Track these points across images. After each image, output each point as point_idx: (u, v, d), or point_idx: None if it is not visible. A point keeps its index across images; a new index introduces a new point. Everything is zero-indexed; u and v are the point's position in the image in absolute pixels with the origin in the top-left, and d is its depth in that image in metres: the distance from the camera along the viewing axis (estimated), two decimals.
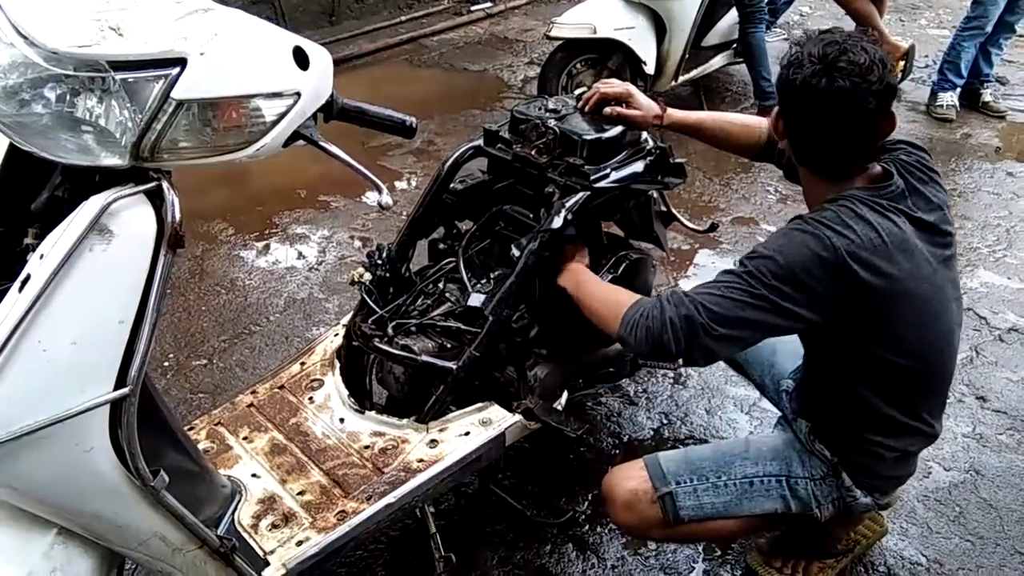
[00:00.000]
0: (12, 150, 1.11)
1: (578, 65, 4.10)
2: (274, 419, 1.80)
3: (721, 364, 2.42)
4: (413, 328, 1.85)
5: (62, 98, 1.00)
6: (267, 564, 1.46)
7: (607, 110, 1.88)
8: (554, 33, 4.00)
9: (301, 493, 1.62)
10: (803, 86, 1.41)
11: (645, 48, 4.03)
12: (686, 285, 3.09)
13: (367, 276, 1.93)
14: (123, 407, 1.10)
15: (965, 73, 4.60)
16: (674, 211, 2.14)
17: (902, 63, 4.74)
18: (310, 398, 1.86)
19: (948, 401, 1.72)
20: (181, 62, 1.00)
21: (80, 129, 1.01)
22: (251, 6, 5.05)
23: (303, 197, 3.70)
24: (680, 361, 1.52)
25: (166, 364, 2.66)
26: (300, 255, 3.29)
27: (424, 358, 1.77)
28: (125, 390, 1.08)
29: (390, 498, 1.58)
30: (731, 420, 2.49)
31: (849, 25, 4.68)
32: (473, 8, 6.20)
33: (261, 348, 2.75)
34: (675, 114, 1.91)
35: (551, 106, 1.94)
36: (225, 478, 1.58)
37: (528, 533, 2.08)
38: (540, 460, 2.28)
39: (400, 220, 2.91)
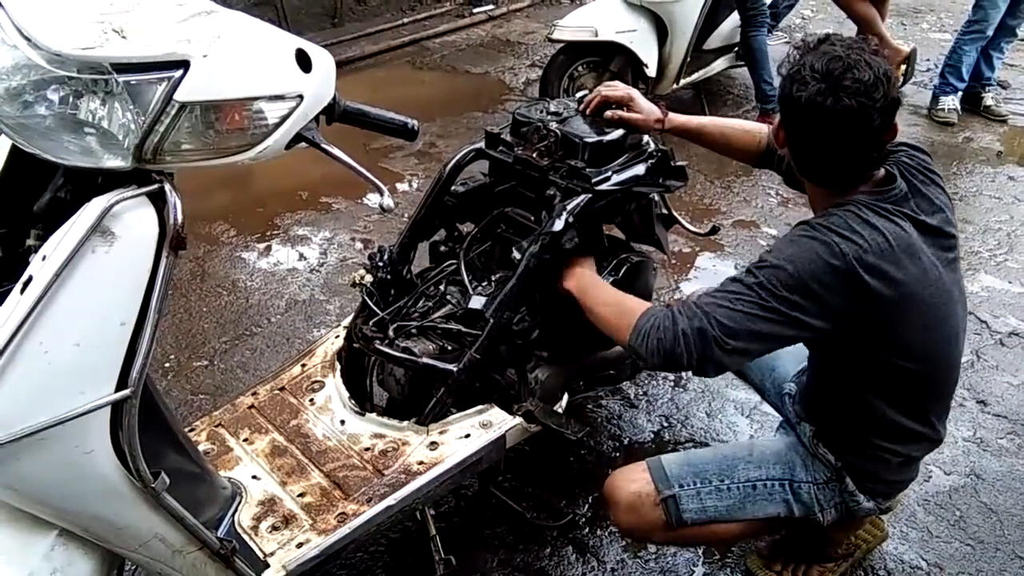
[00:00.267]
0: (15, 152, 1.11)
1: (580, 68, 4.11)
2: (275, 421, 1.80)
3: None
4: (414, 330, 1.85)
5: (65, 100, 1.00)
6: (267, 566, 1.46)
7: (608, 113, 1.88)
8: (556, 36, 4.01)
9: (301, 495, 1.62)
10: (808, 104, 1.39)
11: (647, 51, 4.04)
12: (687, 288, 3.10)
13: (368, 278, 1.94)
14: (124, 409, 1.10)
15: (967, 77, 4.60)
16: (675, 214, 2.14)
17: (904, 67, 4.75)
18: (311, 400, 1.86)
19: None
20: (184, 64, 1.00)
21: (83, 131, 1.02)
22: (253, 8, 5.07)
23: (305, 199, 3.70)
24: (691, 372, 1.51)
25: (167, 365, 2.66)
26: (301, 257, 3.30)
27: (425, 360, 1.77)
28: (126, 392, 1.08)
29: (390, 500, 1.58)
30: (732, 423, 2.49)
31: (850, 28, 4.69)
32: (475, 11, 6.21)
33: (262, 349, 2.75)
34: (676, 118, 1.91)
35: (553, 109, 1.94)
36: (225, 480, 1.58)
37: (528, 535, 2.08)
38: (540, 463, 2.28)
39: (402, 222, 2.91)
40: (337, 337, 2.01)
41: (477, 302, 1.78)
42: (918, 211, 1.48)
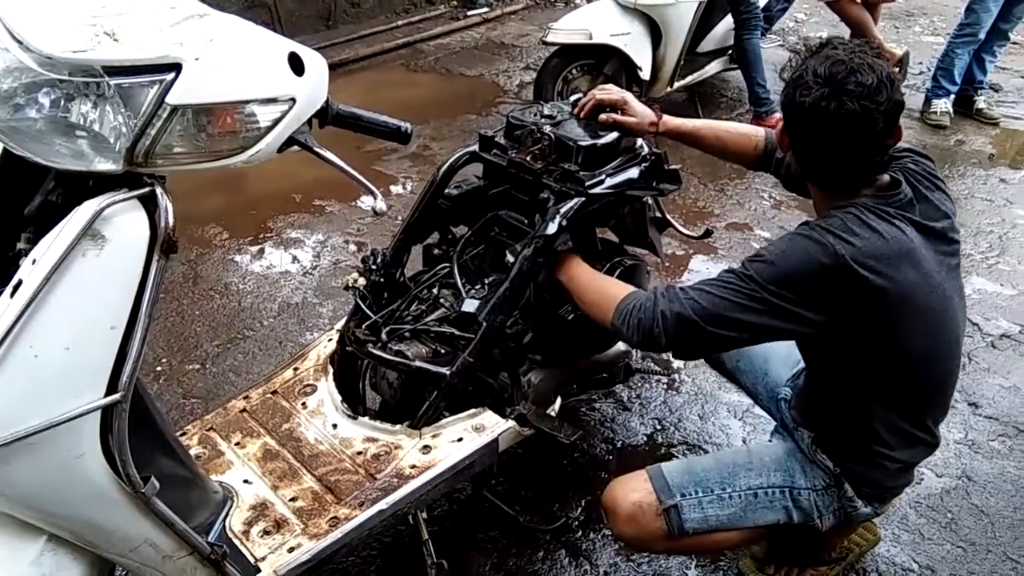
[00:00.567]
0: (5, 155, 1.11)
1: (574, 71, 4.12)
2: (267, 424, 1.80)
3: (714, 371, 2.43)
4: (407, 333, 1.85)
5: (56, 103, 1.00)
6: (258, 571, 1.46)
7: (602, 116, 1.88)
8: (550, 38, 4.02)
9: (293, 499, 1.62)
10: (812, 109, 1.39)
11: (641, 54, 4.05)
12: None
13: (361, 281, 1.93)
14: (114, 413, 1.09)
15: (959, 80, 4.62)
16: (669, 217, 2.14)
17: (897, 70, 4.77)
18: (303, 403, 1.86)
19: None
20: (176, 67, 1.00)
21: (74, 134, 1.01)
22: (247, 10, 5.06)
23: (298, 201, 3.69)
24: (669, 354, 1.54)
25: (159, 368, 2.65)
26: (294, 259, 3.29)
27: (418, 364, 1.77)
28: (116, 396, 1.08)
29: (382, 504, 1.58)
30: (724, 426, 2.49)
31: (843, 31, 4.71)
32: (470, 13, 6.20)
33: (255, 353, 2.74)
34: (671, 121, 1.91)
35: (546, 112, 1.94)
36: (217, 484, 1.58)
37: (521, 539, 2.08)
38: (533, 466, 2.28)
39: (395, 225, 2.91)
40: (330, 340, 2.01)
41: (470, 305, 1.78)
42: (923, 217, 1.48)
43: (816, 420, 1.69)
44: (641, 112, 1.88)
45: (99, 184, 1.06)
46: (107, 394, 1.07)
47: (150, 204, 1.07)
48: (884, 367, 1.50)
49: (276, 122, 1.11)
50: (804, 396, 1.76)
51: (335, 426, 1.79)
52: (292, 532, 1.54)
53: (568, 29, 3.99)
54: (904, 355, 1.49)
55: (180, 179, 1.11)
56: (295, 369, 1.96)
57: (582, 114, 1.92)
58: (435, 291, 1.95)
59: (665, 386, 2.63)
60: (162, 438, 1.36)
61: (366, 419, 1.80)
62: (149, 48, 0.99)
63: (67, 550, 1.19)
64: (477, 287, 1.89)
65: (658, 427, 2.48)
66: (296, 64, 1.12)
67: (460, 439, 1.73)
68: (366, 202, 3.60)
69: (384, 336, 1.83)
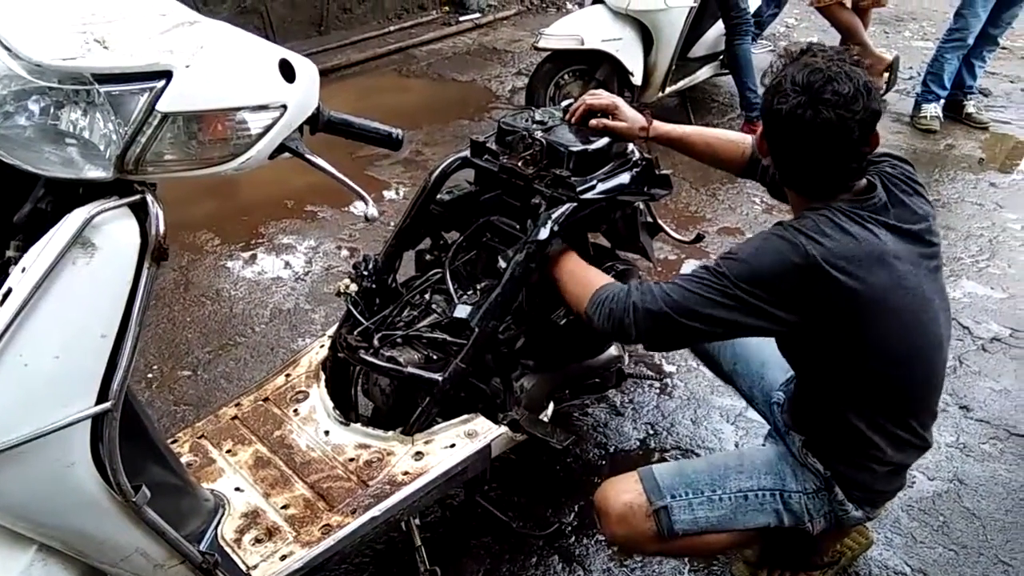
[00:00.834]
0: None
1: (566, 76, 4.12)
2: (258, 432, 1.79)
3: (707, 374, 2.43)
4: (399, 339, 1.85)
5: (46, 111, 0.99)
6: None
7: (593, 122, 1.89)
8: (542, 44, 4.02)
9: (285, 507, 1.61)
10: (788, 116, 1.42)
11: (632, 59, 4.05)
12: None
13: (353, 287, 1.93)
14: (104, 421, 1.09)
15: (948, 85, 4.65)
16: (660, 222, 2.15)
17: (886, 75, 4.81)
18: (295, 410, 1.85)
19: None
20: (166, 75, 1.00)
21: (64, 142, 1.01)
22: (239, 16, 5.05)
23: (290, 207, 3.69)
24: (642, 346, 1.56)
25: (150, 376, 2.64)
26: (286, 265, 3.28)
27: (410, 370, 1.77)
28: (107, 404, 1.07)
29: (375, 511, 1.58)
30: (717, 430, 2.49)
31: (834, 36, 4.74)
32: (461, 19, 6.22)
33: (246, 359, 2.73)
34: (661, 127, 1.92)
35: (538, 118, 1.95)
36: (208, 492, 1.57)
37: (514, 545, 2.08)
38: (526, 472, 2.28)
39: (388, 230, 2.90)
40: (322, 347, 2.00)
41: (462, 311, 1.78)
42: (898, 220, 1.50)
43: (806, 423, 1.69)
44: (632, 117, 1.88)
45: (89, 192, 1.05)
46: (97, 402, 1.07)
47: (140, 212, 1.07)
48: (862, 369, 1.52)
49: (267, 129, 1.11)
50: (794, 400, 1.77)
51: (327, 433, 1.79)
52: (284, 540, 1.54)
53: (560, 35, 4.00)
54: (881, 357, 1.50)
55: (172, 185, 1.11)
56: (287, 376, 1.95)
57: (573, 119, 1.92)
58: (427, 297, 1.95)
59: (658, 391, 2.64)
60: (153, 446, 1.36)
61: (358, 426, 1.80)
62: (139, 55, 0.99)
63: (57, 560, 1.18)
64: (469, 293, 1.89)
65: (651, 432, 2.48)
66: (287, 71, 1.12)
67: (453, 445, 1.73)
68: (358, 208, 3.59)
69: (376, 342, 1.83)
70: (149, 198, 1.07)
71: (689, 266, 3.27)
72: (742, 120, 4.51)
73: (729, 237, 3.57)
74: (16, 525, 1.13)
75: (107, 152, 1.01)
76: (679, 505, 1.63)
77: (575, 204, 1.78)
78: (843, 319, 1.45)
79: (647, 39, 4.10)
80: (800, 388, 1.73)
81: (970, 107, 4.79)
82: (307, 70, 1.16)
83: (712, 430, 2.49)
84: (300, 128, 1.20)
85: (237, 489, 1.64)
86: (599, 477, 2.27)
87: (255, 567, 1.47)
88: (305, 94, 1.16)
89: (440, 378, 1.74)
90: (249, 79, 1.08)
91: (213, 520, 1.52)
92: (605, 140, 1.87)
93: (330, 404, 1.85)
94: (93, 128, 1.00)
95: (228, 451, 1.74)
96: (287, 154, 1.19)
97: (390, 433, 1.76)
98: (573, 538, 2.11)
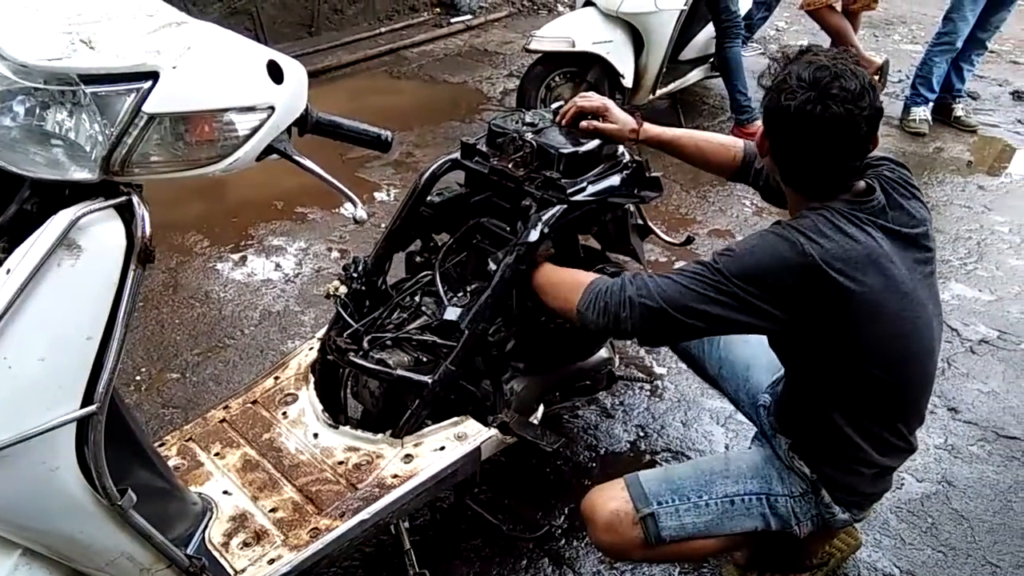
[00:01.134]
0: None
1: (557, 78, 4.12)
2: (246, 435, 1.78)
3: (697, 377, 2.43)
4: (389, 342, 1.84)
5: (31, 111, 0.99)
6: None
7: (583, 124, 1.89)
8: (533, 46, 4.02)
9: (273, 510, 1.60)
10: (797, 112, 1.41)
11: (623, 62, 4.06)
12: None
13: (343, 289, 1.92)
14: (90, 425, 1.08)
15: (937, 88, 4.67)
16: (651, 224, 2.15)
17: (876, 78, 4.83)
18: (284, 413, 1.84)
19: None
20: (153, 76, 0.99)
21: (50, 143, 1.00)
22: (229, 17, 5.03)
23: (280, 208, 3.67)
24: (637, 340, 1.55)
25: (138, 378, 2.62)
26: (276, 267, 3.27)
27: (399, 372, 1.76)
28: (92, 407, 1.06)
29: (364, 515, 1.57)
30: (707, 432, 2.49)
31: (823, 40, 4.75)
32: (453, 20, 6.21)
33: (235, 362, 2.72)
34: (651, 129, 1.92)
35: (528, 120, 1.95)
36: (196, 495, 1.56)
37: (504, 548, 2.07)
38: (516, 474, 2.27)
39: (378, 232, 2.90)
40: (311, 349, 2.00)
41: (452, 313, 1.78)
42: (896, 223, 1.50)
43: (793, 426, 1.70)
44: (622, 119, 1.89)
45: (75, 193, 1.05)
46: (83, 405, 1.06)
47: (127, 213, 1.06)
48: (853, 371, 1.52)
49: (255, 130, 1.10)
50: (781, 402, 1.77)
51: (316, 436, 1.78)
52: (272, 544, 1.53)
53: (551, 37, 4.00)
54: (874, 360, 1.50)
55: (160, 186, 1.10)
56: (276, 378, 1.94)
57: (563, 121, 1.92)
58: (417, 299, 1.95)
59: (648, 393, 2.64)
60: (139, 449, 1.35)
61: (347, 428, 1.79)
62: (126, 56, 0.98)
63: (42, 564, 1.17)
64: (459, 295, 1.88)
65: (641, 434, 2.48)
66: (275, 72, 1.11)
67: (442, 448, 1.72)
68: (348, 209, 3.58)
69: (366, 344, 1.82)
70: (135, 199, 1.06)
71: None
72: (732, 123, 4.53)
73: (719, 239, 3.58)
74: (0, 529, 1.12)
75: (93, 153, 1.00)
76: (666, 512, 1.63)
77: (565, 206, 1.78)
78: (836, 320, 1.45)
79: (638, 42, 4.11)
80: (788, 390, 1.74)
81: (958, 110, 4.82)
82: (295, 71, 1.15)
83: (702, 432, 2.50)
84: (288, 130, 1.20)
85: (225, 492, 1.63)
86: (589, 480, 2.27)
87: (243, 571, 1.47)
88: (293, 96, 1.15)
89: (430, 380, 1.74)
90: (236, 80, 1.08)
91: (200, 524, 1.51)
92: (595, 142, 1.87)
93: (319, 407, 1.84)
94: (79, 129, 1.00)
95: (216, 454, 1.73)
96: (275, 156, 1.18)
97: (379, 436, 1.76)
98: (563, 540, 2.11)
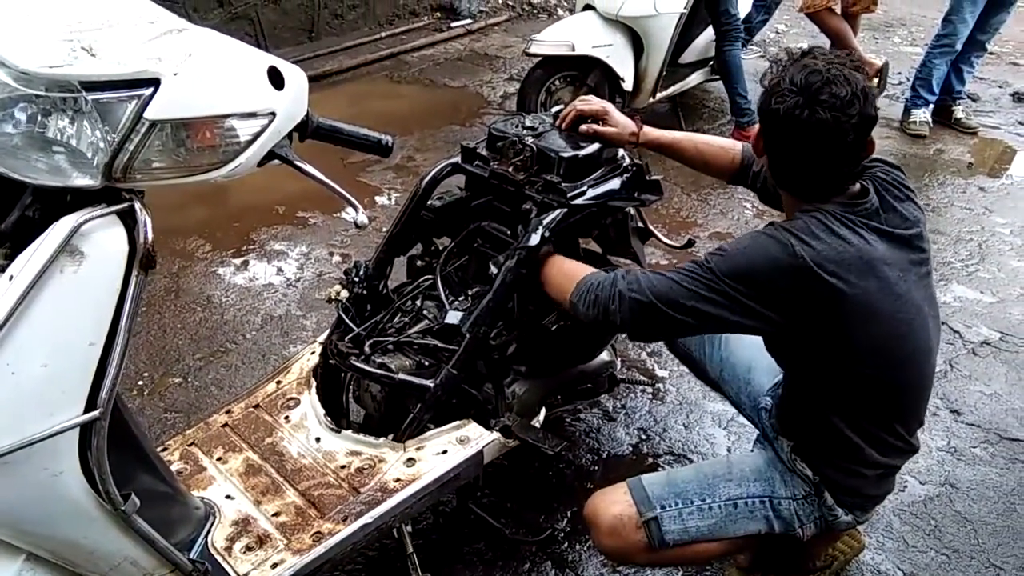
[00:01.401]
0: None
1: (557, 82, 4.13)
2: (249, 439, 1.79)
3: (698, 380, 2.43)
4: (390, 346, 1.84)
5: (33, 118, 0.99)
6: None
7: (583, 127, 1.89)
8: (533, 50, 4.03)
9: (276, 514, 1.60)
10: (785, 116, 1.42)
11: (623, 65, 4.07)
12: None
13: (344, 293, 1.93)
14: (93, 430, 1.08)
15: (937, 90, 4.68)
16: (651, 227, 2.15)
17: (876, 80, 4.83)
18: (286, 417, 1.84)
19: None
20: (154, 82, 0.99)
21: (51, 149, 1.01)
22: (230, 23, 5.04)
23: (281, 213, 3.68)
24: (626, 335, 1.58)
25: (140, 383, 2.62)
26: (278, 272, 3.27)
27: (401, 376, 1.76)
28: (95, 413, 1.07)
29: (367, 518, 1.57)
30: (709, 435, 2.49)
31: (823, 42, 4.76)
32: (453, 24, 6.22)
33: (237, 366, 2.72)
34: (651, 132, 1.93)
35: (528, 123, 1.95)
36: (198, 500, 1.56)
37: (507, 551, 2.07)
38: (518, 478, 2.27)
39: (379, 236, 2.90)
40: (313, 353, 2.00)
41: (454, 317, 1.78)
42: (889, 225, 1.50)
43: (794, 428, 1.70)
44: (622, 123, 1.89)
45: (77, 199, 1.05)
46: (86, 411, 1.06)
47: (129, 219, 1.07)
48: (849, 372, 1.52)
49: (256, 136, 1.11)
50: (782, 404, 1.77)
51: (318, 440, 1.78)
52: (275, 548, 1.53)
53: (551, 41, 4.01)
54: (870, 362, 1.50)
55: (162, 192, 1.11)
56: (278, 383, 1.94)
57: (564, 125, 1.92)
58: (418, 303, 1.95)
59: (650, 396, 2.64)
60: (142, 454, 1.35)
61: (349, 432, 1.79)
62: (127, 63, 0.99)
63: (46, 569, 1.17)
64: (460, 299, 1.88)
65: (643, 437, 2.48)
66: (276, 78, 1.12)
67: (444, 451, 1.72)
68: (349, 214, 3.59)
69: (367, 349, 1.82)
70: (137, 205, 1.07)
71: None
72: (732, 126, 4.53)
73: (720, 242, 3.56)
74: (4, 534, 1.12)
75: (95, 160, 1.01)
76: (669, 515, 1.63)
77: (566, 210, 1.78)
78: (829, 322, 1.45)
79: (638, 45, 4.11)
80: (788, 392, 1.74)
81: (959, 112, 4.82)
82: (296, 77, 1.16)
83: (704, 435, 2.50)
84: (289, 135, 1.20)
85: (228, 497, 1.63)
86: (592, 483, 2.27)
87: (246, 575, 1.47)
88: (294, 101, 1.16)
89: (431, 384, 1.74)
90: (237, 86, 1.08)
91: (203, 528, 1.51)
92: (595, 146, 1.87)
93: (321, 411, 1.84)
94: (81, 136, 1.00)
95: (219, 458, 1.73)
96: (276, 161, 1.19)
97: (381, 440, 1.76)
98: (566, 544, 2.11)
